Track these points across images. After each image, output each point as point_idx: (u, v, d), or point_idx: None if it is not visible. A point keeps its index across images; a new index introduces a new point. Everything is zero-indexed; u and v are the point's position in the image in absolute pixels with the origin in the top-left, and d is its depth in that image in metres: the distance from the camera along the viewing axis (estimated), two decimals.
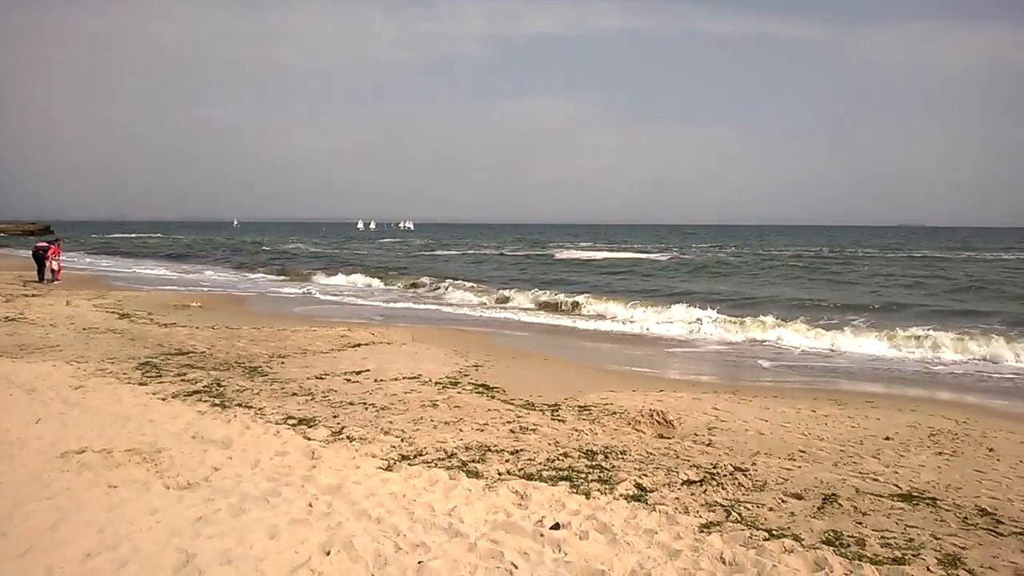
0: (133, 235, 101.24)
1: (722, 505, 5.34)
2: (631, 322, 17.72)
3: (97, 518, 4.75)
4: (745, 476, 6.01)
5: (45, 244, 25.03)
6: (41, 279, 23.88)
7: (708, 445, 7.07)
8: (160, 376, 9.49)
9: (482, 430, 7.25)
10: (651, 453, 6.69)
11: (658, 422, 7.97)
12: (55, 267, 24.23)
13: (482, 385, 9.54)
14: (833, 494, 5.62)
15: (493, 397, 8.87)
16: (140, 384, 8.95)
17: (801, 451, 6.92)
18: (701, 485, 5.80)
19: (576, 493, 5.46)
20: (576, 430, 7.39)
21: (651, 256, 51.58)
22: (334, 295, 24.35)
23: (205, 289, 25.59)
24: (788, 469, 6.29)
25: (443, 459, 6.24)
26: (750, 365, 12.65)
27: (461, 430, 7.23)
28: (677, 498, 5.46)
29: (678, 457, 6.59)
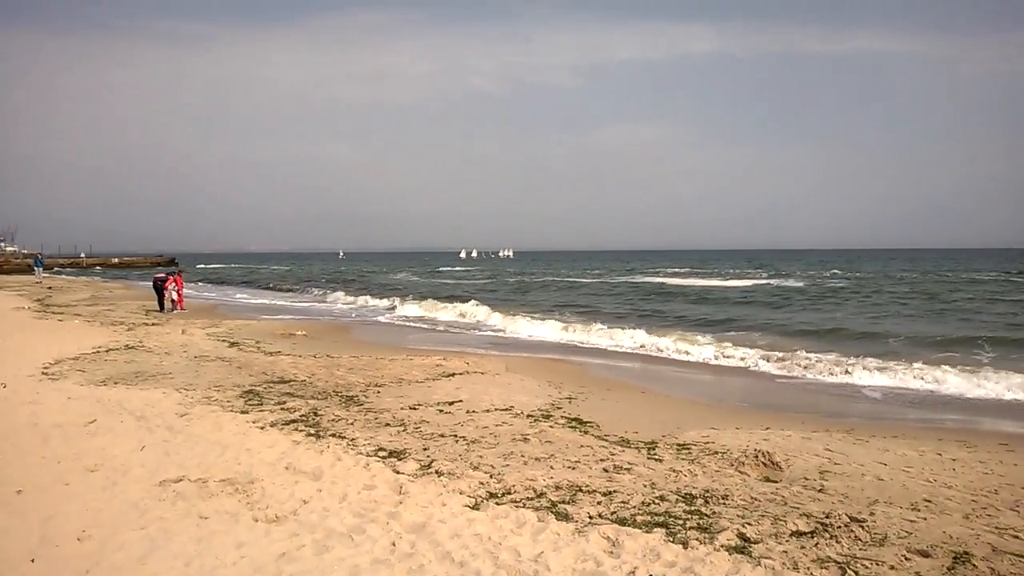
0: (250, 265, 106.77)
1: (836, 561, 4.88)
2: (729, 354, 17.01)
3: (185, 551, 4.80)
4: (862, 528, 5.49)
5: (164, 275, 26.49)
6: (161, 308, 25.28)
7: (820, 491, 6.54)
8: (261, 404, 9.72)
9: (574, 468, 7.00)
10: (756, 499, 6.24)
11: (764, 464, 7.47)
12: (175, 297, 25.58)
13: (575, 419, 9.29)
14: (965, 552, 5.04)
15: (586, 432, 8.59)
16: (242, 412, 9.17)
17: (926, 500, 6.29)
18: (812, 537, 5.33)
19: (673, 542, 5.12)
20: (674, 471, 7.02)
21: (780, 283, 49.79)
22: (433, 324, 24.63)
23: (310, 318, 26.41)
24: (912, 521, 5.71)
25: (532, 499, 6.03)
26: (863, 400, 11.83)
27: (552, 467, 7.00)
28: (785, 551, 5.03)
29: (786, 504, 6.12)
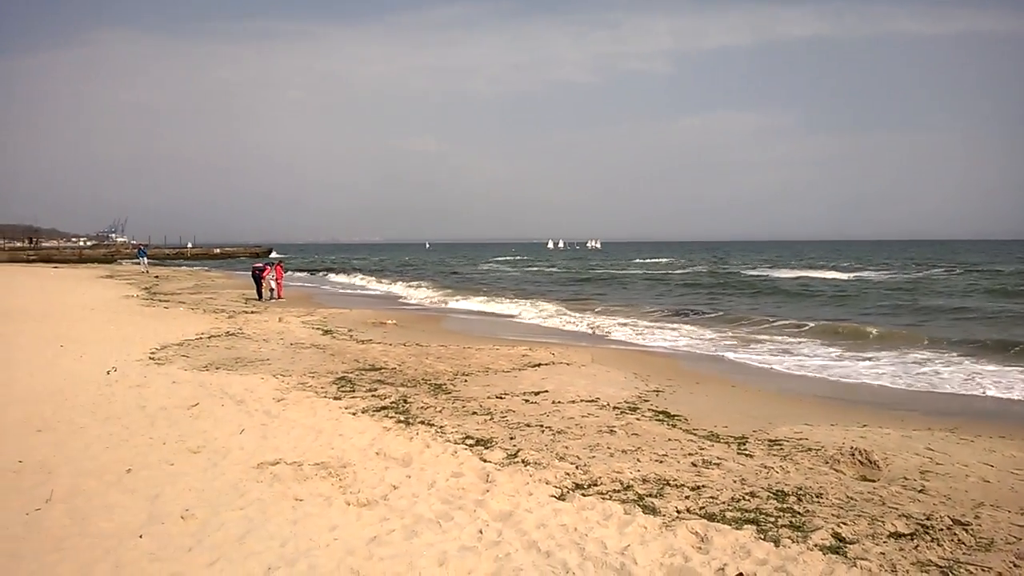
0: (343, 256, 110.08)
1: (938, 566, 4.65)
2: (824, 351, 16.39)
3: (281, 532, 4.98)
4: (966, 532, 5.21)
5: (261, 265, 27.54)
6: (260, 297, 26.33)
7: (920, 491, 6.24)
8: (353, 391, 9.99)
9: (661, 461, 6.90)
10: (852, 498, 6.01)
11: (860, 462, 7.17)
12: (273, 286, 26.57)
13: (663, 412, 9.15)
14: None
15: (674, 426, 8.46)
16: (335, 399, 9.45)
17: None
18: (912, 539, 5.09)
19: (764, 539, 4.98)
20: (765, 467, 6.82)
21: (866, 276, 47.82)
22: (515, 314, 24.73)
23: (400, 307, 26.97)
24: (1021, 526, 5.38)
25: (618, 491, 5.98)
26: (971, 398, 11.19)
27: (639, 460, 6.92)
28: (883, 553, 4.82)
29: (884, 504, 5.87)
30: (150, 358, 12.29)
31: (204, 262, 79.34)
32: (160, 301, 25.11)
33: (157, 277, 42.52)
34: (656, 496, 5.87)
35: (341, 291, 36.43)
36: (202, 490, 5.82)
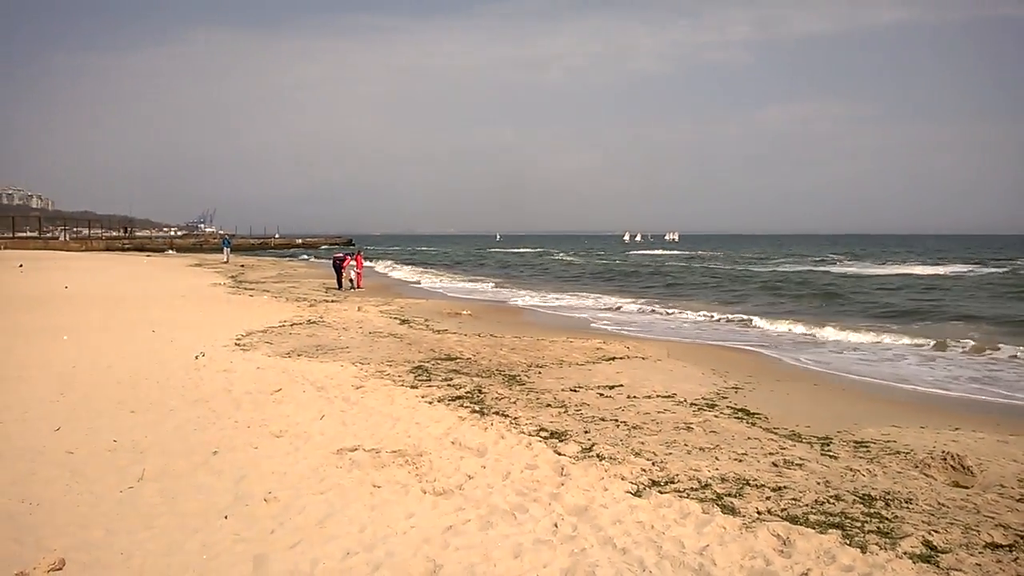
0: (419, 247, 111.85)
1: None
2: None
3: (360, 517, 5.07)
4: None
5: (342, 255, 28.14)
6: (339, 286, 26.94)
7: (1019, 500, 5.89)
8: (429, 380, 10.10)
9: (740, 460, 6.72)
10: (944, 504, 5.72)
11: (953, 467, 6.82)
12: (353, 276, 27.15)
13: (742, 410, 8.93)
14: None
15: (754, 424, 8.23)
16: (411, 387, 9.57)
17: None
18: (1011, 551, 4.81)
19: (850, 545, 4.79)
20: (851, 469, 6.57)
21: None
22: (587, 309, 24.57)
23: (474, 298, 27.18)
24: None
25: (696, 489, 5.85)
26: None
27: (717, 458, 6.76)
28: (978, 564, 4.58)
29: (979, 512, 5.57)
30: (236, 344, 12.72)
31: (285, 252, 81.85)
32: (245, 289, 26.00)
33: (243, 266, 44.04)
34: (735, 496, 5.72)
35: (416, 281, 36.94)
36: (284, 473, 5.99)
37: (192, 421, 7.54)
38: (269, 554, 4.48)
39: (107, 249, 67.80)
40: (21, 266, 32.02)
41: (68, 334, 13.02)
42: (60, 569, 4.15)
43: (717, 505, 5.47)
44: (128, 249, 69.75)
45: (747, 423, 8.26)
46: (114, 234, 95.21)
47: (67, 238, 74.82)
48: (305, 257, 67.35)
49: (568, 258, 70.79)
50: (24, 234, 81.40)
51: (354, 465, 6.22)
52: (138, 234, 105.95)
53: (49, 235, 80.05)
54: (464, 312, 20.28)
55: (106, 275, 30.07)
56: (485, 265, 57.23)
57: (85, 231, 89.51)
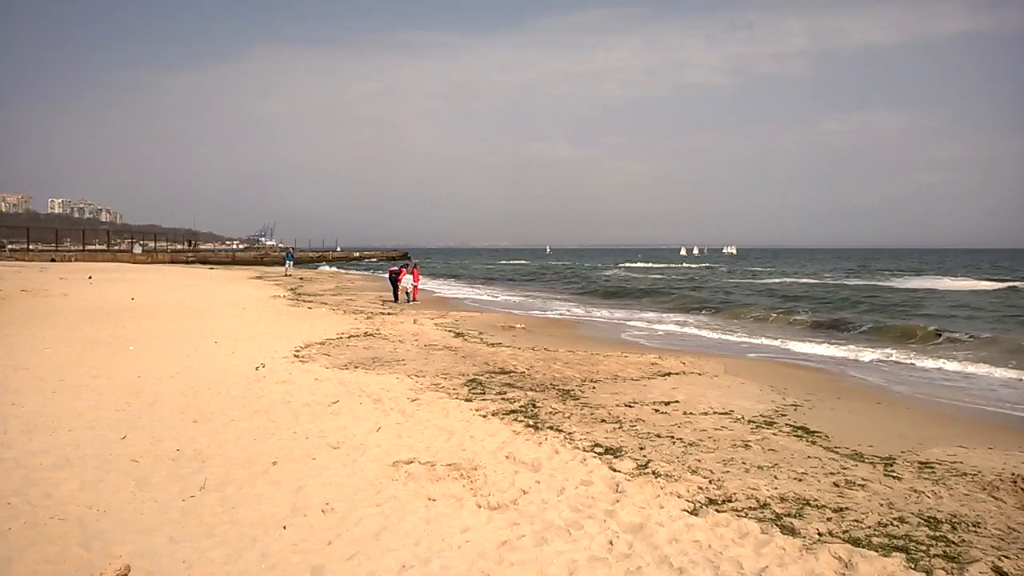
0: (473, 260, 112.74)
1: None
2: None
3: (415, 530, 5.10)
4: None
5: (397, 268, 28.50)
6: (395, 299, 27.27)
7: None
8: (484, 393, 10.13)
9: (800, 480, 6.56)
10: (1014, 528, 5.49)
11: (1023, 490, 6.54)
12: (409, 288, 27.43)
13: (801, 428, 8.71)
14: None
15: (814, 443, 8.02)
16: (466, 400, 9.61)
17: None
18: None
19: (915, 569, 4.63)
20: (915, 490, 6.34)
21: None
22: (644, 323, 24.35)
23: (527, 312, 27.18)
24: None
25: (754, 508, 5.73)
26: None
27: (776, 477, 6.61)
28: None
29: None
30: (295, 356, 12.97)
31: (343, 264, 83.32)
32: (304, 302, 26.51)
33: (302, 279, 44.96)
34: (795, 516, 5.58)
35: (470, 294, 37.16)
36: (342, 485, 6.07)
37: (252, 431, 7.71)
38: (326, 565, 4.54)
39: (172, 262, 69.99)
40: (90, 278, 33.29)
41: (134, 344, 13.47)
42: (125, 575, 4.27)
43: (776, 525, 5.34)
44: (192, 262, 71.90)
45: (807, 441, 8.05)
46: (179, 247, 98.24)
47: (141, 250, 77.54)
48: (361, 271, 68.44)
49: (622, 272, 70.31)
50: (94, 247, 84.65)
51: (410, 478, 6.27)
52: (201, 247, 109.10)
53: (118, 248, 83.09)
54: (518, 325, 20.30)
55: (171, 287, 31.02)
56: (536, 279, 57.18)
57: (151, 244, 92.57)
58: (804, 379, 12.76)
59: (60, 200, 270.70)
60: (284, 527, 5.14)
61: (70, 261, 57.32)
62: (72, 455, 6.61)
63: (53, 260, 56.08)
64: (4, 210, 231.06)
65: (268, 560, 4.61)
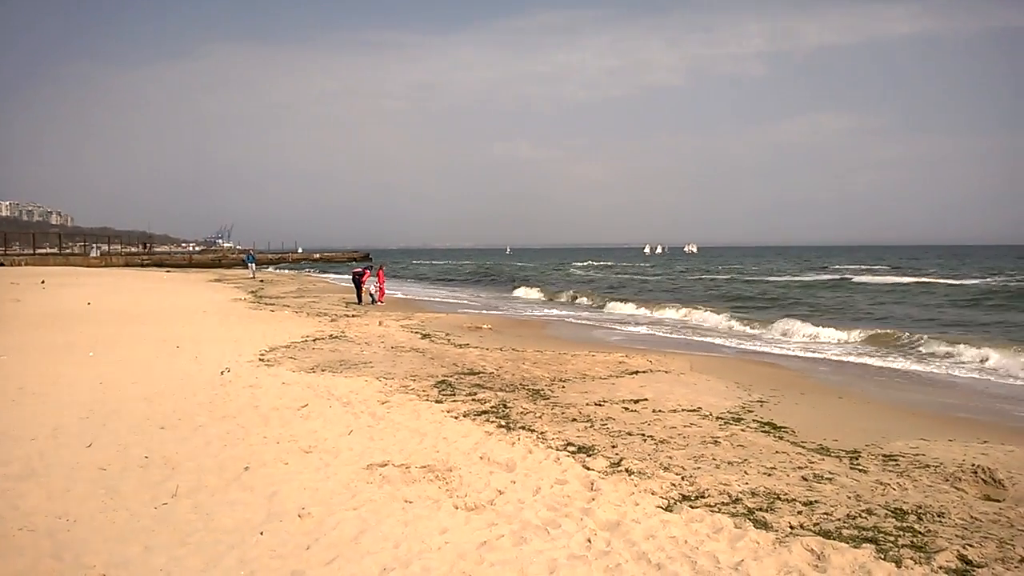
0: (435, 261, 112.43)
1: None
2: (947, 357, 15.55)
3: (394, 533, 5.09)
4: None
5: (361, 270, 28.29)
6: (359, 301, 27.06)
7: None
8: (454, 395, 10.13)
9: (769, 474, 6.69)
10: (976, 518, 5.68)
11: (984, 480, 6.75)
12: (373, 290, 27.22)
13: (768, 423, 8.88)
14: None
15: (781, 438, 8.19)
16: (436, 402, 9.60)
17: None
18: None
19: (884, 559, 4.76)
20: (880, 483, 6.52)
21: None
22: (609, 322, 24.57)
23: (494, 313, 27.20)
24: None
25: (727, 504, 5.84)
26: None
27: (746, 472, 6.74)
28: None
29: (1012, 526, 5.52)
30: (260, 359, 12.81)
31: (308, 266, 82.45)
32: (266, 304, 26.17)
33: (262, 281, 44.38)
34: (767, 510, 5.69)
35: (435, 296, 37.08)
36: (316, 489, 6.03)
37: (221, 437, 7.60)
38: (306, 571, 4.51)
39: (127, 265, 68.45)
40: (43, 283, 32.42)
41: (93, 350, 13.17)
42: None
43: (749, 520, 5.45)
44: (148, 265, 70.42)
45: (774, 437, 8.22)
46: (133, 250, 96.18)
47: (99, 254, 75.87)
48: (309, 271, 67.97)
49: (581, 272, 70.75)
50: (44, 250, 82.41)
51: (385, 480, 6.25)
52: (157, 250, 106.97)
53: (70, 251, 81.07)
54: (484, 326, 20.30)
55: (127, 291, 30.37)
56: (498, 280, 57.21)
57: (105, 247, 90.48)
58: (767, 375, 13.00)
59: (7, 203, 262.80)
60: (261, 533, 5.09)
61: (20, 265, 55.65)
62: (37, 465, 6.45)
63: (1, 264, 54.41)
64: None
65: (247, 567, 4.56)
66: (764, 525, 5.34)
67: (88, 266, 61.44)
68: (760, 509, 5.72)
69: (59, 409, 8.56)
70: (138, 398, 9.29)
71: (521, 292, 37.97)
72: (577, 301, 30.66)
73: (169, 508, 5.56)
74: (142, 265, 69.68)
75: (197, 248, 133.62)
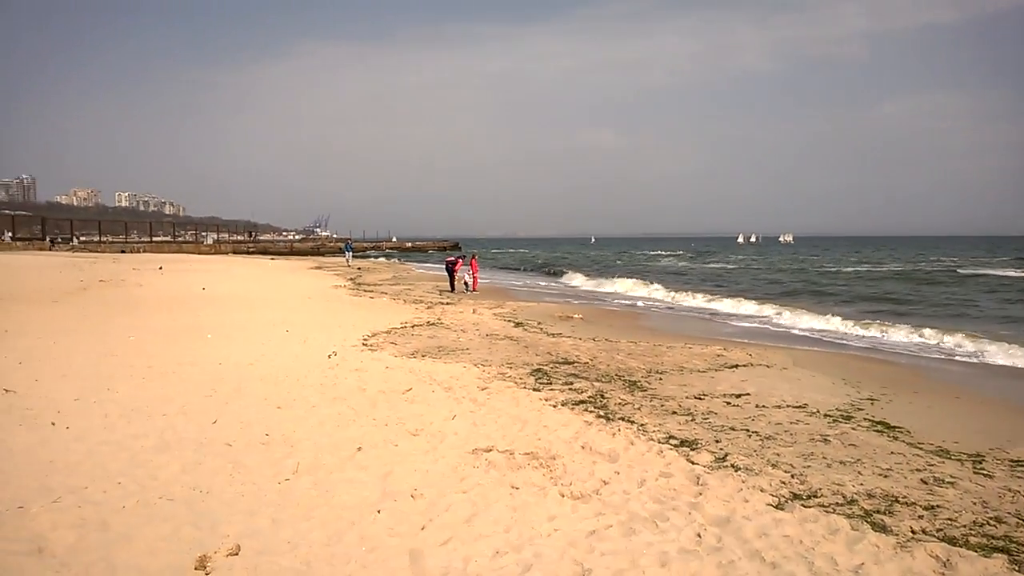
0: (520, 250, 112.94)
1: None
2: None
3: (503, 517, 5.20)
4: None
5: (454, 258, 28.78)
6: (452, 288, 27.53)
7: None
8: (550, 384, 10.20)
9: (886, 476, 6.46)
10: None
11: None
12: (467, 279, 27.67)
13: (880, 422, 8.56)
14: None
15: (895, 438, 7.87)
16: (534, 390, 9.70)
17: None
18: None
19: (1019, 572, 4.54)
20: (1009, 489, 6.18)
21: None
22: (700, 312, 24.11)
23: (585, 302, 27.15)
24: None
25: (841, 504, 5.68)
26: None
27: (860, 473, 6.53)
28: None
29: None
30: (363, 344, 13.24)
31: (398, 255, 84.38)
32: (365, 291, 26.96)
33: (359, 269, 45.72)
34: (885, 513, 5.51)
35: (523, 284, 37.28)
36: (426, 471, 6.21)
37: (333, 418, 7.92)
38: (423, 550, 4.67)
39: (234, 252, 71.81)
40: (161, 268, 34.39)
41: (211, 333, 13.91)
42: (236, 554, 4.47)
43: (866, 522, 5.29)
44: (252, 252, 73.65)
45: (888, 437, 7.91)
46: (239, 238, 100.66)
47: (212, 241, 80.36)
48: (395, 260, 69.28)
49: (671, 262, 69.69)
50: (159, 238, 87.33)
51: (491, 466, 6.38)
52: (261, 238, 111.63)
53: (182, 239, 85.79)
54: (576, 316, 20.30)
55: (237, 277, 31.87)
56: (582, 270, 57.03)
57: (215, 235, 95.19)
58: (876, 372, 12.49)
59: (127, 194, 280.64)
60: (378, 511, 5.30)
61: (139, 252, 59.29)
62: (170, 439, 6.90)
63: (123, 251, 58.10)
64: (76, 204, 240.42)
65: (367, 543, 4.77)
66: (883, 528, 5.18)
67: (199, 253, 64.80)
68: (878, 512, 5.54)
69: (185, 387, 9.11)
70: (255, 379, 9.78)
71: (613, 282, 37.70)
72: (668, 292, 30.18)
73: (291, 484, 5.86)
74: (248, 252, 72.98)
75: (297, 236, 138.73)
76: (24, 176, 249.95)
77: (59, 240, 67.45)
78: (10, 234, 67.35)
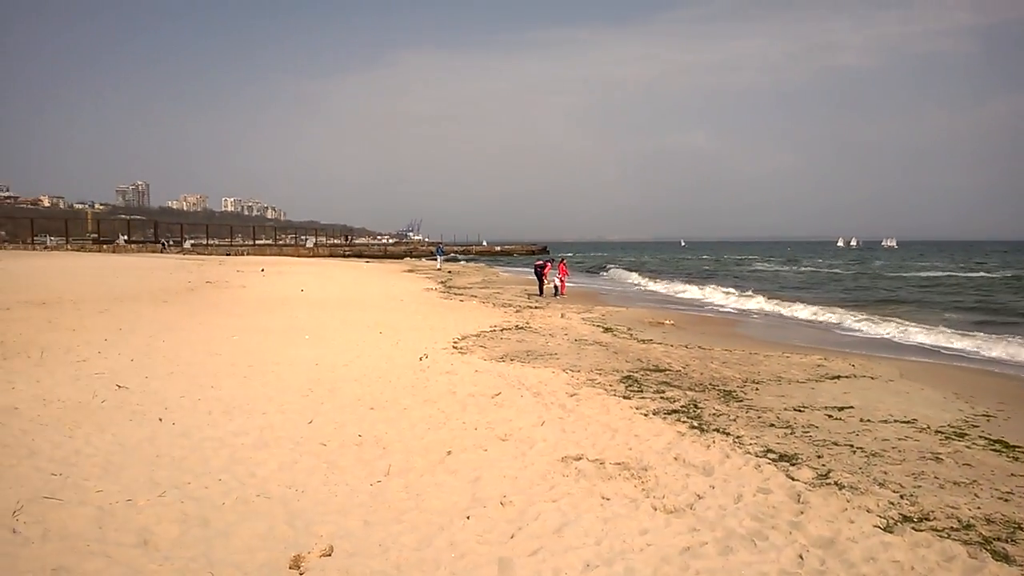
0: (610, 253, 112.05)
1: None
2: None
3: (594, 529, 5.10)
4: None
5: (543, 262, 28.79)
6: (541, 292, 27.52)
7: None
8: (641, 391, 10.00)
9: (1006, 500, 6.01)
10: None
11: None
12: (556, 282, 27.64)
13: (999, 441, 7.98)
14: None
15: (1016, 459, 7.32)
16: (624, 397, 9.53)
17: None
18: None
19: None
20: None
21: None
22: (797, 320, 23.21)
23: (676, 308, 26.62)
24: None
25: (957, 529, 5.31)
26: None
27: (977, 495, 6.09)
28: None
29: None
30: (453, 347, 13.36)
31: (488, 259, 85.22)
32: (455, 294, 27.29)
33: (450, 272, 46.39)
34: (1007, 541, 5.11)
35: (613, 288, 36.92)
36: (516, 478, 6.18)
37: (424, 420, 8.00)
38: (513, 559, 4.63)
39: (331, 255, 74.23)
40: (263, 271, 35.83)
41: (308, 334, 14.35)
42: (329, 555, 4.54)
43: (986, 550, 4.92)
44: (348, 255, 75.89)
45: (1007, 457, 7.37)
46: (336, 242, 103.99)
47: (312, 245, 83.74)
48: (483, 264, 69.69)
49: (764, 266, 67.62)
50: (262, 241, 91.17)
51: (580, 475, 6.29)
52: (356, 242, 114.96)
53: (283, 243, 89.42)
54: (667, 322, 19.92)
55: (333, 280, 32.84)
56: (674, 275, 55.98)
57: (314, 239, 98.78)
58: (992, 387, 11.70)
59: (232, 199, 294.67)
60: (468, 517, 5.30)
61: (242, 255, 62.09)
62: (268, 437, 7.13)
63: (228, 254, 61.01)
64: (186, 209, 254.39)
65: (457, 549, 4.76)
66: (1005, 558, 4.80)
67: (298, 256, 67.26)
68: (998, 539, 5.14)
69: (283, 386, 9.41)
70: (349, 379, 10.00)
71: (704, 287, 36.85)
72: (762, 299, 29.23)
73: (383, 486, 5.93)
74: (344, 256, 75.26)
75: (390, 240, 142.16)
76: (139, 182, 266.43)
77: (171, 243, 71.61)
78: (124, 237, 71.97)
